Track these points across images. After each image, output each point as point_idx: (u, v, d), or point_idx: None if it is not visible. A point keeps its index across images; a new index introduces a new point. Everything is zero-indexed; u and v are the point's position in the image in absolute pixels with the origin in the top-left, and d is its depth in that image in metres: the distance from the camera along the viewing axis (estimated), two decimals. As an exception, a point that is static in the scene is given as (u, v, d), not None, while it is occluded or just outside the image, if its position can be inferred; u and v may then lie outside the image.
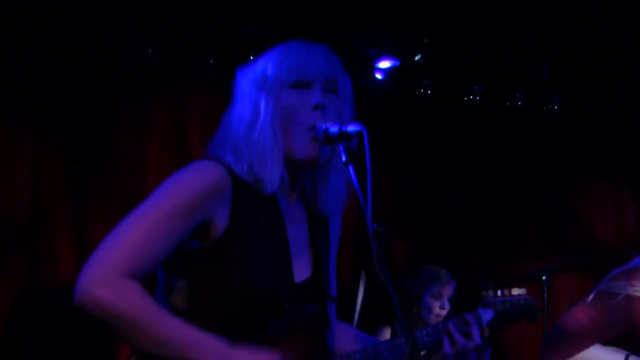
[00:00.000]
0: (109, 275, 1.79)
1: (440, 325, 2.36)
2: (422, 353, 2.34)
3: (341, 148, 1.93)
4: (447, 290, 4.54)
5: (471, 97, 5.65)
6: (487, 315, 2.47)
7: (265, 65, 2.07)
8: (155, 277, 2.05)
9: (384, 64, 5.32)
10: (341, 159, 1.95)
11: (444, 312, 4.50)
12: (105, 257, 1.82)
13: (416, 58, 5.27)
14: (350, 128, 1.92)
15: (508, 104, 5.80)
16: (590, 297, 2.88)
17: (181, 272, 1.98)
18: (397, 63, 5.32)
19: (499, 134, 6.04)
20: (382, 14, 4.95)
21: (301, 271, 2.09)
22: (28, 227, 4.35)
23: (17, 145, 4.37)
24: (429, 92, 5.50)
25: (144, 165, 4.72)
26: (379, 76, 5.36)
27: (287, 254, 2.06)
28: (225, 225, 1.95)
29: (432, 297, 4.51)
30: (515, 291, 2.55)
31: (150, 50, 4.59)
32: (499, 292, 2.53)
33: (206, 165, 1.98)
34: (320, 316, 2.09)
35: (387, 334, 4.45)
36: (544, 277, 4.14)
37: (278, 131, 2.01)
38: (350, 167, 1.89)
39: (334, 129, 1.95)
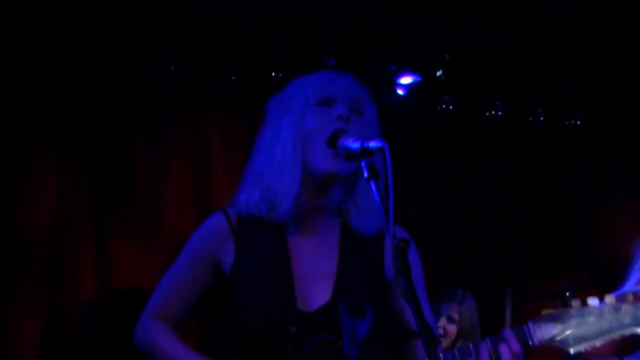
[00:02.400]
0: (143, 321, 2.26)
1: (467, 347, 2.01)
2: None
3: (363, 164, 1.91)
4: (447, 310, 4.44)
5: (493, 112, 5.63)
6: (545, 331, 2.00)
7: (292, 89, 2.16)
8: None
9: (406, 80, 5.31)
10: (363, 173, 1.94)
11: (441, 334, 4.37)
12: (146, 308, 2.28)
13: (437, 74, 5.26)
14: (372, 144, 1.90)
15: (530, 119, 5.77)
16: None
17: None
18: (419, 79, 5.32)
19: (521, 150, 6.01)
20: (404, 29, 4.96)
21: (314, 298, 2.05)
22: (51, 249, 4.39)
23: (41, 169, 4.42)
24: (451, 107, 5.49)
25: (166, 188, 4.74)
26: (400, 92, 5.35)
27: (290, 282, 2.05)
28: (232, 262, 2.12)
29: (447, 318, 4.43)
30: (594, 302, 2.06)
31: (171, 75, 4.62)
32: (572, 306, 2.07)
33: (212, 219, 2.25)
34: (333, 346, 2.01)
35: None
36: (567, 294, 4.08)
37: (298, 146, 2.02)
38: (372, 183, 1.87)
39: (355, 145, 1.93)
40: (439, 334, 4.31)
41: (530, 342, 2.04)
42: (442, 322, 4.40)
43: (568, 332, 2.05)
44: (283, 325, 1.99)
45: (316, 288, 2.08)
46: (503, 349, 1.98)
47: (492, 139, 5.91)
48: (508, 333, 2.03)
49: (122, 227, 4.60)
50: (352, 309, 2.06)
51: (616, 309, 2.03)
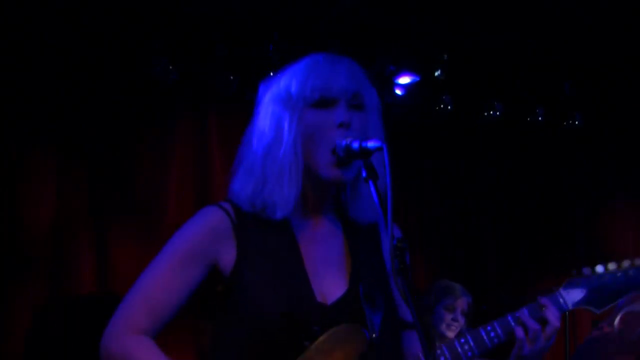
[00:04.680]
0: (119, 332, 1.96)
1: (506, 318, 2.14)
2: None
3: (361, 164, 1.90)
4: (461, 303, 4.53)
5: (491, 112, 5.63)
6: (574, 294, 2.26)
7: (289, 82, 2.04)
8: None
9: (404, 80, 5.32)
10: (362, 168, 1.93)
11: (455, 325, 4.48)
12: (120, 315, 1.98)
13: (436, 74, 5.27)
14: (370, 144, 1.88)
15: (528, 119, 5.78)
16: (616, 321, 2.81)
17: (209, 317, 2.03)
18: (417, 79, 5.32)
19: (520, 150, 6.01)
20: (403, 30, 4.96)
21: (332, 291, 2.01)
22: (51, 249, 4.40)
23: (41, 169, 4.43)
24: (449, 107, 5.49)
25: (166, 188, 4.75)
26: (399, 92, 5.36)
27: (305, 277, 2.00)
28: (232, 263, 1.98)
29: (444, 308, 4.51)
30: (612, 266, 2.37)
31: (170, 72, 4.62)
32: (588, 270, 2.34)
33: (205, 212, 2.05)
34: (354, 332, 1.99)
35: None
36: (566, 294, 4.09)
37: (300, 152, 1.97)
38: (371, 183, 1.86)
39: (354, 145, 1.91)
40: (454, 326, 4.44)
41: (565, 307, 2.24)
42: (457, 314, 4.49)
43: (593, 295, 2.31)
44: (304, 322, 1.93)
45: (331, 279, 2.04)
46: (549, 313, 2.14)
47: (492, 139, 5.91)
48: (545, 300, 2.18)
49: (122, 227, 4.61)
50: (369, 298, 2.06)
51: (625, 271, 2.38)
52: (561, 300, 2.25)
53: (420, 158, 5.71)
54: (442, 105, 5.47)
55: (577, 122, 5.84)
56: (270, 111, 2.04)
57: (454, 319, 4.48)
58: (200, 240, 2.00)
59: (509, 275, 5.84)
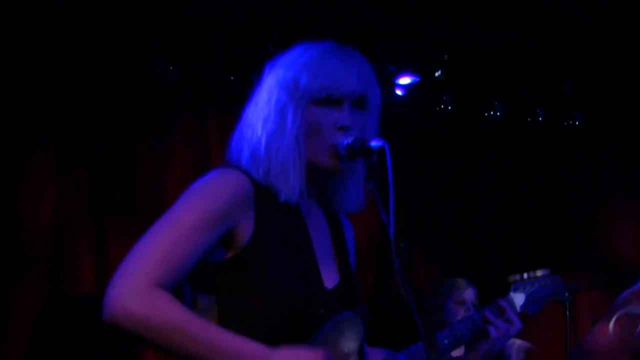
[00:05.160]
0: (141, 286, 1.74)
1: (474, 316, 2.43)
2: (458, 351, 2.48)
3: (363, 163, 1.92)
4: (469, 295, 4.56)
5: (491, 113, 5.63)
6: (519, 299, 2.55)
7: (298, 72, 2.00)
8: (181, 296, 2.00)
9: (404, 80, 5.31)
10: (359, 166, 1.99)
11: None
12: (134, 268, 1.78)
13: (436, 74, 5.27)
14: (373, 144, 1.90)
15: (528, 119, 5.78)
16: (611, 324, 2.84)
17: (207, 288, 1.94)
18: (418, 79, 5.32)
19: (520, 150, 6.02)
20: (403, 29, 4.97)
21: (330, 277, 2.05)
22: (51, 249, 4.39)
23: (41, 169, 4.43)
24: (449, 108, 5.49)
25: (166, 188, 4.75)
26: (399, 92, 5.36)
27: (314, 260, 2.02)
28: (250, 233, 1.91)
29: (455, 303, 4.53)
30: (540, 272, 2.67)
31: (170, 72, 4.62)
32: (525, 275, 2.65)
33: (228, 174, 1.96)
34: (357, 322, 2.03)
35: None
36: (565, 294, 4.10)
37: (302, 143, 1.98)
38: (372, 183, 1.87)
39: (356, 144, 1.93)
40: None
41: (516, 310, 2.57)
42: (469, 306, 4.53)
43: (529, 299, 2.61)
44: (313, 305, 1.94)
45: (330, 266, 2.08)
46: (511, 315, 2.44)
47: (492, 139, 5.91)
48: (503, 303, 2.48)
49: (122, 227, 4.60)
50: (357, 284, 2.14)
51: (553, 281, 2.71)
52: (513, 302, 2.58)
53: (420, 158, 5.71)
54: (442, 106, 5.47)
55: (577, 122, 5.85)
56: (275, 97, 2.02)
57: (467, 310, 4.51)
58: (227, 202, 1.89)
59: (509, 275, 5.83)
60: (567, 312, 4.03)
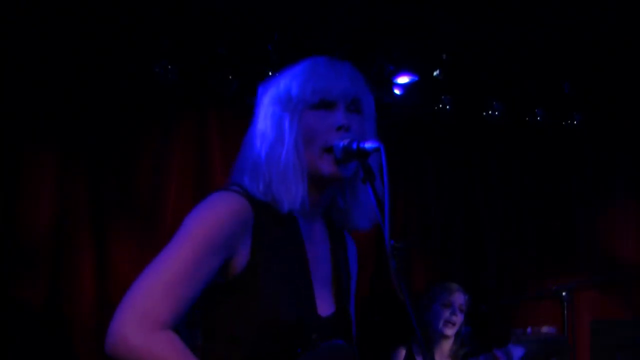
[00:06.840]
0: (144, 324, 1.77)
1: None
2: None
3: (359, 165, 1.92)
4: (457, 299, 4.59)
5: (490, 112, 5.64)
6: (517, 351, 2.55)
7: (289, 84, 2.03)
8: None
9: (403, 80, 5.32)
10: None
11: (455, 319, 4.52)
12: (139, 303, 1.79)
13: (435, 74, 5.27)
14: (368, 145, 1.90)
15: (527, 119, 5.78)
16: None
17: (196, 307, 1.92)
18: (416, 79, 5.32)
19: (519, 150, 6.02)
20: (401, 29, 4.97)
21: (324, 305, 2.03)
22: (50, 246, 4.40)
23: (41, 167, 4.43)
24: (448, 107, 5.50)
25: (166, 188, 4.75)
26: (397, 92, 5.36)
27: (310, 286, 2.01)
28: (246, 261, 1.91)
29: (441, 305, 4.57)
30: (545, 329, 2.65)
31: (170, 72, 4.62)
32: (529, 330, 2.63)
33: (228, 200, 1.96)
34: (348, 351, 2.02)
35: (402, 355, 4.45)
36: (563, 294, 4.11)
37: (301, 151, 1.98)
38: (368, 184, 1.88)
39: (352, 146, 1.93)
40: (452, 322, 4.52)
41: None
42: (455, 310, 4.55)
43: (529, 353, 2.65)
44: (305, 332, 1.93)
45: (325, 291, 2.06)
46: None
47: (491, 139, 5.91)
48: (499, 353, 2.43)
49: (122, 227, 4.62)
50: (351, 313, 2.12)
51: (557, 340, 2.74)
52: (511, 353, 2.64)
53: (420, 158, 5.71)
54: (441, 105, 5.48)
55: (577, 122, 5.85)
56: (271, 112, 2.04)
57: (453, 313, 4.53)
58: (227, 229, 1.89)
59: (509, 275, 5.84)
60: (565, 311, 4.03)
